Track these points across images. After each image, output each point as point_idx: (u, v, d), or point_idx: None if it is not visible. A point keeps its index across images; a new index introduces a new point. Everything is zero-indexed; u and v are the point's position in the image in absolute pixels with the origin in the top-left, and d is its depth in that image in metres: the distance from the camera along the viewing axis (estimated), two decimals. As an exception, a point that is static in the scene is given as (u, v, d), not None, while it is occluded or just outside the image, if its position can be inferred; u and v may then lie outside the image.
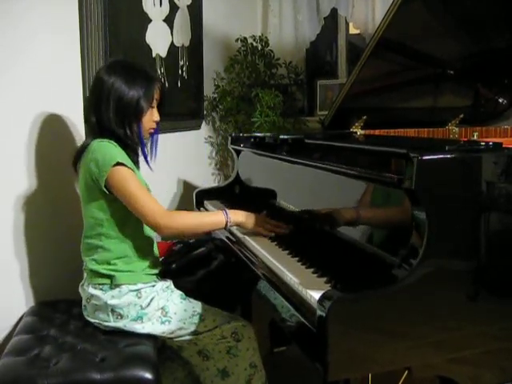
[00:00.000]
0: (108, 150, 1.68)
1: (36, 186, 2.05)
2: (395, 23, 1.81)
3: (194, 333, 1.76)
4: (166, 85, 2.84)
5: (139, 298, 1.71)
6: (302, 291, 1.31)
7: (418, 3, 1.86)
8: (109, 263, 1.73)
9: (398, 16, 1.78)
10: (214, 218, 1.78)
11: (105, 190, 1.67)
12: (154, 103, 1.80)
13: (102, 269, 1.73)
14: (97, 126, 1.75)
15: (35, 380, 1.50)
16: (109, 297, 1.70)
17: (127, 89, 1.72)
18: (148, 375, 1.55)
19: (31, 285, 2.05)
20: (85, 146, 1.75)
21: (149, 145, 1.89)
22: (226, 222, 1.75)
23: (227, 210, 1.78)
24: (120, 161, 1.65)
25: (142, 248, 1.78)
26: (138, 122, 1.76)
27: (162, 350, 1.91)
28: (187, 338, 1.77)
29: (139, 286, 1.73)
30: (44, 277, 2.09)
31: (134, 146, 1.79)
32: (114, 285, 1.71)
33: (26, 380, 1.51)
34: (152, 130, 1.84)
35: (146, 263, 1.78)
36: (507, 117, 2.44)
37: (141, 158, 1.85)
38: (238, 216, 1.78)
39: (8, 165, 1.94)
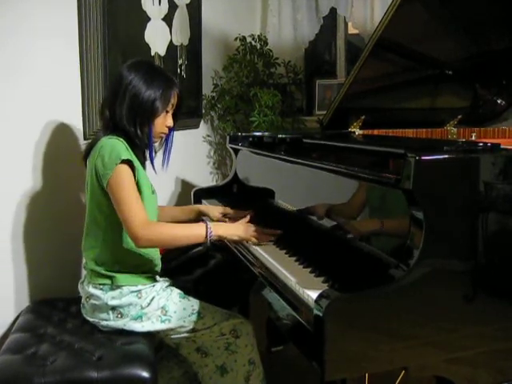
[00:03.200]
0: (114, 147, 1.66)
1: (36, 187, 2.05)
2: (394, 23, 1.81)
3: (193, 330, 1.76)
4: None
5: (139, 298, 1.72)
6: (299, 290, 1.31)
7: (417, 4, 1.86)
8: (108, 265, 1.72)
9: (397, 16, 1.79)
10: (194, 230, 1.71)
11: (106, 188, 1.65)
12: (170, 108, 1.79)
13: (102, 269, 1.72)
14: (109, 121, 1.74)
15: (32, 378, 1.51)
16: (109, 298, 1.70)
17: (144, 87, 1.71)
18: (145, 374, 1.56)
19: (29, 283, 2.05)
20: (95, 142, 1.74)
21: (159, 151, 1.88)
22: (207, 235, 1.68)
23: (209, 223, 1.71)
24: (124, 158, 1.63)
25: (145, 255, 1.76)
26: (150, 124, 1.75)
27: (159, 349, 1.91)
28: (186, 335, 1.77)
29: (140, 287, 1.73)
30: (42, 275, 2.09)
31: (142, 147, 1.78)
32: (114, 285, 1.71)
33: (23, 378, 1.51)
34: (162, 135, 1.83)
35: (147, 266, 1.78)
36: (505, 118, 2.45)
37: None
38: (220, 229, 1.72)
39: (7, 166, 1.94)
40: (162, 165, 1.88)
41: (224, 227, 1.76)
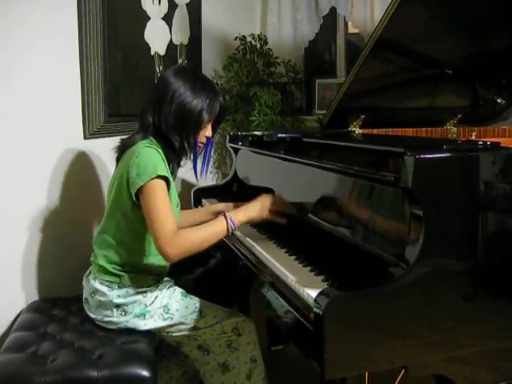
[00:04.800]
0: (152, 158, 1.62)
1: (36, 188, 2.06)
2: (394, 23, 1.81)
3: (195, 328, 1.77)
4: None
5: (144, 297, 1.72)
6: (299, 289, 1.31)
7: (417, 3, 1.86)
8: (119, 265, 1.72)
9: (397, 16, 1.79)
10: (216, 228, 1.67)
11: (134, 197, 1.63)
12: (212, 119, 1.78)
13: (111, 268, 1.72)
14: (152, 127, 1.71)
15: (32, 377, 1.51)
16: (115, 295, 1.70)
17: (192, 96, 1.69)
18: (145, 373, 1.56)
19: (30, 282, 2.06)
20: (131, 144, 1.71)
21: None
22: (228, 228, 1.66)
23: (227, 214, 1.68)
24: (160, 174, 1.60)
25: (156, 262, 1.75)
26: (196, 134, 1.74)
27: (158, 348, 1.91)
28: (187, 333, 1.77)
29: (145, 288, 1.73)
30: (43, 274, 2.09)
31: (181, 156, 1.76)
32: (121, 284, 1.71)
33: (23, 377, 1.52)
34: (201, 145, 1.81)
35: (157, 270, 1.78)
36: (505, 117, 2.45)
37: (183, 170, 1.83)
38: (240, 215, 1.70)
39: (5, 166, 1.93)
40: (201, 174, 1.86)
41: (242, 212, 1.72)
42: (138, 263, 1.73)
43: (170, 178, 1.68)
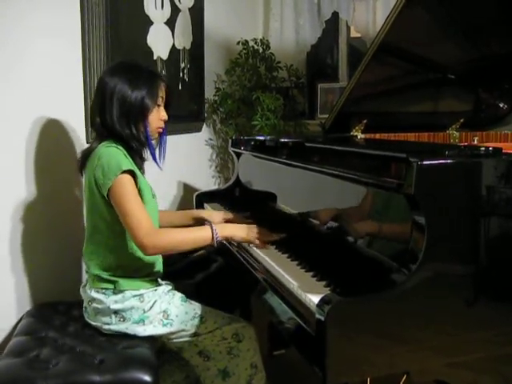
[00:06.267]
0: (114, 156, 1.65)
1: (37, 189, 2.05)
2: (396, 27, 1.81)
3: (195, 334, 1.76)
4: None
5: (142, 302, 1.72)
6: (301, 295, 1.31)
7: (419, 8, 1.86)
8: (111, 270, 1.73)
9: (399, 20, 1.78)
10: (200, 233, 1.71)
11: (106, 197, 1.65)
12: (160, 101, 1.78)
13: (104, 274, 1.73)
14: (102, 128, 1.73)
15: (34, 382, 1.50)
16: (112, 301, 1.70)
17: (130, 90, 1.71)
18: (147, 377, 1.55)
19: (31, 286, 2.05)
20: (91, 150, 1.73)
21: (157, 147, 1.86)
22: (213, 237, 1.68)
23: (213, 225, 1.72)
24: (125, 168, 1.63)
25: (145, 259, 1.76)
26: (144, 121, 1.74)
27: (160, 353, 1.91)
28: (188, 339, 1.77)
29: (142, 291, 1.73)
30: (44, 278, 2.09)
31: (139, 148, 1.76)
32: (117, 290, 1.71)
33: (25, 382, 1.51)
34: (160, 130, 1.82)
35: (149, 269, 1.78)
36: (507, 122, 2.44)
37: (148, 162, 1.83)
38: (226, 230, 1.73)
39: (8, 168, 1.94)
40: (159, 158, 1.86)
41: (229, 228, 1.75)
42: (128, 264, 1.73)
43: (137, 172, 1.70)
